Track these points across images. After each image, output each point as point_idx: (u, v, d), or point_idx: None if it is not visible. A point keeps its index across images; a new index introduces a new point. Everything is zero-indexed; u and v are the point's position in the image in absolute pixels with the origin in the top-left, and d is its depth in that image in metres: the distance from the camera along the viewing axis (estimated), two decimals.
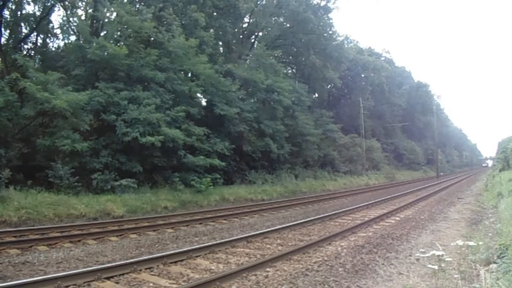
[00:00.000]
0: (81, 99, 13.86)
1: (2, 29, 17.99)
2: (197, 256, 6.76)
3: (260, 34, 32.08)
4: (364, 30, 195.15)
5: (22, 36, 19.73)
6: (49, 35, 21.39)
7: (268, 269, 5.87)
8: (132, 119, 14.86)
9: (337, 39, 36.42)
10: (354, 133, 39.01)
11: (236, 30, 28.50)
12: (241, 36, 30.16)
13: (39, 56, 20.42)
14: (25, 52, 19.23)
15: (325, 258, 6.52)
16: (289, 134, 24.71)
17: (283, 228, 9.50)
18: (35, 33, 20.36)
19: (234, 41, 29.06)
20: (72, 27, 20.78)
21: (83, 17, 21.18)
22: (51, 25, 21.11)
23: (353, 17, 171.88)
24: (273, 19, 32.07)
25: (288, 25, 31.79)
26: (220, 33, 25.19)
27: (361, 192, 23.41)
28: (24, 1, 19.45)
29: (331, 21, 33.67)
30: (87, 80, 16.44)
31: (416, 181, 37.29)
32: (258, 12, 30.05)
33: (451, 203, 15.48)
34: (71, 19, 20.71)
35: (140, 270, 5.87)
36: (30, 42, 20.61)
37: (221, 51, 27.06)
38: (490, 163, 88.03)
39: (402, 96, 55.29)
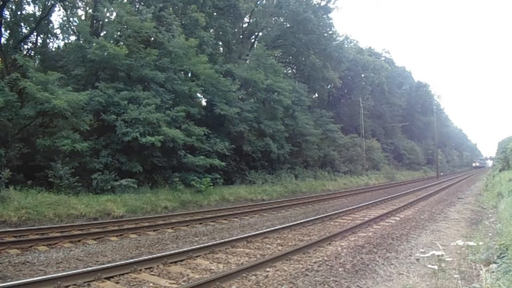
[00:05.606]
0: (81, 99, 13.87)
1: (2, 29, 17.98)
2: (197, 256, 6.76)
3: (260, 34, 32.10)
4: (364, 30, 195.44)
5: (22, 36, 19.70)
6: (49, 35, 21.38)
7: (268, 269, 5.88)
8: (132, 119, 14.86)
9: (337, 39, 36.44)
10: (354, 133, 39.01)
11: (236, 30, 28.52)
12: (241, 36, 30.17)
13: (39, 56, 20.41)
14: (25, 52, 19.19)
15: (325, 258, 6.52)
16: (289, 134, 24.73)
17: (283, 228, 9.50)
18: (35, 33, 20.35)
19: (234, 41, 29.06)
20: (72, 27, 20.81)
21: (83, 17, 21.22)
22: (51, 25, 21.12)
23: (353, 17, 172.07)
24: (273, 19, 32.08)
25: (288, 25, 31.77)
26: (220, 33, 25.19)
27: (361, 192, 23.40)
28: (24, 1, 19.47)
29: (331, 21, 33.75)
30: (87, 80, 16.46)
31: (416, 181, 37.28)
32: (258, 12, 30.06)
33: (451, 203, 15.49)
34: (71, 19, 20.75)
35: (140, 270, 5.87)
36: (30, 42, 20.62)
37: (221, 51, 27.08)
38: (490, 163, 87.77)
39: (402, 96, 55.27)
